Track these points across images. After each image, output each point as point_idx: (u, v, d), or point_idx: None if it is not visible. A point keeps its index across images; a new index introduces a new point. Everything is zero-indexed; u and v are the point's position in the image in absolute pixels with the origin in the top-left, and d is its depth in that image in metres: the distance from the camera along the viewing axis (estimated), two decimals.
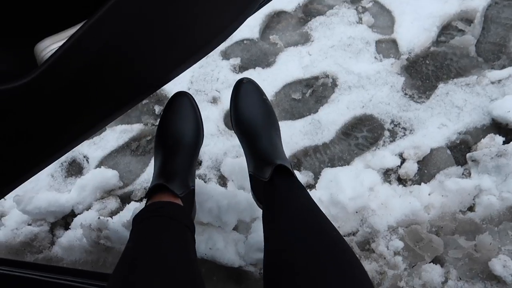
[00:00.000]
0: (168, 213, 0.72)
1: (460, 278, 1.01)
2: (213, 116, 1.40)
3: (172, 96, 0.96)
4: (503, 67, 1.38)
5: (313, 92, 1.43)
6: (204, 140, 1.33)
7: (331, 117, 1.34)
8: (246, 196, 1.13)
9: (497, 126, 1.25)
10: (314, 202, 0.76)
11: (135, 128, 1.42)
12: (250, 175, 0.90)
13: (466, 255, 1.04)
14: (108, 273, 0.87)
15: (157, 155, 0.92)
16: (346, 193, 1.07)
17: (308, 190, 1.17)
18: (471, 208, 1.11)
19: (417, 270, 1.02)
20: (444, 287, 1.00)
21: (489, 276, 1.01)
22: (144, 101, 1.50)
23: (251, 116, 0.93)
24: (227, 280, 1.09)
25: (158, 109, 1.47)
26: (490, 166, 1.09)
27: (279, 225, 0.69)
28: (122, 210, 1.23)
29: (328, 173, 1.17)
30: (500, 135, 1.19)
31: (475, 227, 1.08)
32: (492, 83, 1.34)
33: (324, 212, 1.07)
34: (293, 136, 1.32)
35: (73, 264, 1.17)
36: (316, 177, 1.23)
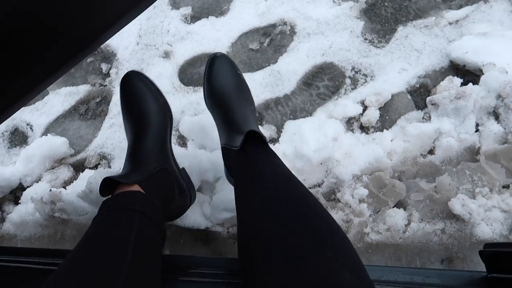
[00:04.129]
0: (110, 205, 0.67)
1: (422, 220, 1.04)
2: (166, 72, 1.31)
3: (122, 78, 0.91)
4: (460, 6, 1.36)
5: (271, 41, 1.36)
6: None
7: (291, 67, 1.29)
8: (207, 156, 1.08)
9: (455, 68, 1.25)
10: (289, 171, 0.71)
11: (82, 90, 1.31)
12: (222, 148, 0.86)
13: (427, 197, 1.07)
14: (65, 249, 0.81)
15: (127, 136, 0.90)
16: (310, 145, 1.04)
17: (271, 145, 1.14)
18: (431, 151, 1.13)
19: (382, 216, 1.04)
20: (408, 229, 1.03)
21: (448, 215, 1.05)
22: (88, 59, 1.37)
23: (224, 88, 0.91)
24: (195, 242, 1.07)
25: (105, 67, 1.35)
26: (449, 109, 1.10)
27: (251, 197, 0.65)
28: (76, 179, 1.15)
29: (291, 126, 1.14)
30: (458, 77, 1.19)
31: (435, 169, 1.11)
32: (450, 24, 1.32)
33: (289, 167, 1.06)
34: (253, 89, 1.26)
35: (28, 240, 1.10)
36: (279, 130, 1.19)
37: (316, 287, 0.44)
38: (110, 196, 0.73)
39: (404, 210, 1.06)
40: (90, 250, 0.55)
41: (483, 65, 1.17)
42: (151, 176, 0.77)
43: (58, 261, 0.77)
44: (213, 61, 0.94)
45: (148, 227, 0.64)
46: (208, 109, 0.95)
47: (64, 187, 1.13)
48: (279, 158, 0.77)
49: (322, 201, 1.08)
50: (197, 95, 1.26)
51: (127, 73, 0.90)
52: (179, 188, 0.87)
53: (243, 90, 0.94)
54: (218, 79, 0.92)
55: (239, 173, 0.75)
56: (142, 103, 0.88)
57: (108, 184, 0.72)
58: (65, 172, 1.16)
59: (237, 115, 0.86)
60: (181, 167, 0.94)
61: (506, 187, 1.07)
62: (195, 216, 0.99)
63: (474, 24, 1.30)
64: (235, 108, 0.88)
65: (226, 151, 0.84)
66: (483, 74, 1.16)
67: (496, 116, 1.12)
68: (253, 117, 0.91)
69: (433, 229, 1.02)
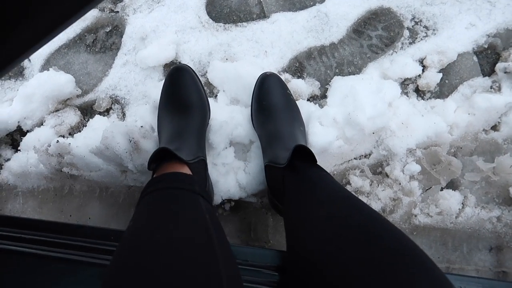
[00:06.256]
0: (173, 183, 0.59)
1: (477, 205, 0.94)
2: (191, 3, 1.09)
3: (173, 68, 0.88)
4: None
5: None
6: (183, 35, 1.05)
7: (341, 10, 1.09)
8: (243, 113, 0.93)
9: None
10: (343, 187, 0.63)
11: (88, 16, 1.08)
12: (265, 167, 0.80)
13: (483, 179, 0.96)
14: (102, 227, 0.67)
15: (162, 126, 0.84)
16: (365, 112, 0.89)
17: (313, 103, 0.98)
18: (494, 127, 0.99)
19: (434, 197, 0.94)
20: (461, 214, 0.93)
21: (505, 201, 0.95)
22: None
23: (272, 106, 0.86)
24: (220, 208, 0.95)
25: None
26: None
27: (308, 218, 0.57)
28: (84, 125, 0.99)
29: (341, 85, 0.97)
30: None
31: (495, 147, 0.98)
32: None
33: (338, 134, 0.92)
34: (295, 33, 1.07)
35: (30, 192, 0.97)
36: (323, 86, 1.03)
37: None
38: (158, 171, 0.68)
39: (457, 190, 0.95)
40: (174, 226, 0.48)
41: None
42: (195, 162, 0.73)
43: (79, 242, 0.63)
44: (263, 80, 0.90)
45: (211, 210, 0.59)
46: (255, 128, 0.90)
47: (71, 134, 0.98)
48: (330, 174, 0.68)
49: (367, 174, 0.96)
50: (228, 35, 1.06)
51: (179, 65, 0.88)
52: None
53: (292, 109, 0.88)
54: (267, 98, 0.87)
55: (289, 192, 0.67)
56: (190, 95, 0.86)
57: (160, 155, 0.67)
58: (71, 116, 0.99)
59: (285, 133, 0.81)
60: None
61: None
62: (229, 186, 0.86)
63: None
64: (283, 125, 0.83)
65: (270, 170, 0.77)
66: None
67: None
68: (303, 138, 0.84)
69: (488, 216, 0.92)
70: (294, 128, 0.83)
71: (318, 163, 0.71)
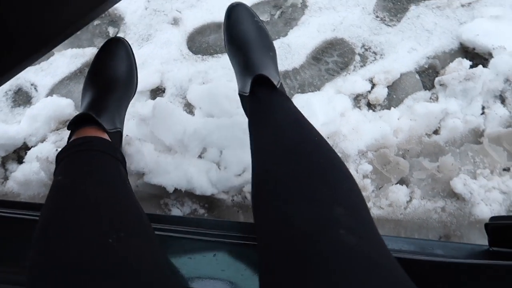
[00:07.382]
0: (98, 146, 0.66)
1: (423, 197, 1.06)
2: (175, 39, 1.29)
3: (107, 41, 0.93)
4: None
5: (282, 13, 1.34)
6: (167, 66, 1.24)
7: (301, 41, 1.28)
8: (215, 123, 1.08)
9: (464, 51, 1.25)
10: (298, 113, 0.69)
11: (88, 53, 1.29)
12: (239, 96, 0.86)
13: (429, 176, 1.09)
14: None
15: (86, 93, 0.88)
16: (318, 118, 1.05)
17: None
18: (436, 131, 1.14)
19: (384, 191, 1.06)
20: (409, 206, 1.05)
21: (449, 194, 1.07)
22: (95, 22, 1.35)
23: (242, 35, 0.90)
24: (199, 208, 1.08)
25: (112, 31, 1.33)
26: (458, 90, 1.11)
27: (262, 142, 0.65)
28: None
29: (299, 99, 1.14)
30: (467, 59, 1.20)
31: (438, 149, 1.12)
32: (462, 6, 1.32)
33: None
34: None
35: (31, 199, 1.10)
36: None
37: (310, 222, 0.45)
38: (77, 133, 0.73)
39: (407, 187, 1.08)
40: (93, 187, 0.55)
41: (493, 49, 1.17)
42: (115, 133, 0.79)
43: None
44: (231, 10, 0.94)
45: (126, 176, 0.67)
46: (229, 58, 0.95)
47: None
48: (289, 99, 0.75)
49: None
50: (205, 64, 1.25)
51: (114, 37, 0.92)
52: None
53: (262, 36, 0.92)
54: (236, 28, 0.91)
55: (251, 119, 0.75)
56: (120, 68, 0.90)
57: (82, 120, 0.72)
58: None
59: (253, 61, 0.84)
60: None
61: (506, 169, 1.09)
62: (201, 182, 1.00)
63: (487, 8, 1.30)
64: (252, 53, 0.86)
65: (242, 99, 0.86)
66: (492, 57, 1.17)
67: (502, 99, 1.13)
68: (272, 62, 0.88)
69: (433, 207, 1.04)
70: (263, 55, 0.88)
71: None
